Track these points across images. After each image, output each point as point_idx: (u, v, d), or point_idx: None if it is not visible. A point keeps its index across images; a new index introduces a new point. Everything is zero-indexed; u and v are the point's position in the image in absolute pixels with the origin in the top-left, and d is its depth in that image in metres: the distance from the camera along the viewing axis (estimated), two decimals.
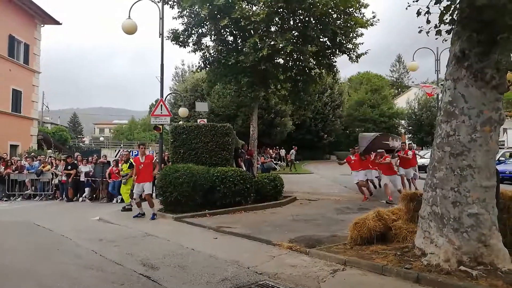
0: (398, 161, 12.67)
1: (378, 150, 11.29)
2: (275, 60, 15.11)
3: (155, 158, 11.91)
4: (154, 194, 10.08)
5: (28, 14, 25.40)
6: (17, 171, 14.89)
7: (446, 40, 5.37)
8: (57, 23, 27.70)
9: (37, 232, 7.94)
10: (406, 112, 44.80)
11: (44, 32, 27.55)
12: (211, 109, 28.38)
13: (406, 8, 5.62)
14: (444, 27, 5.35)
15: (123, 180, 11.83)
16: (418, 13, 5.25)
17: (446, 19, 5.10)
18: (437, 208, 4.93)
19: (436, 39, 5.20)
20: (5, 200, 14.31)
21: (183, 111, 18.82)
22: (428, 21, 5.09)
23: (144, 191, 9.36)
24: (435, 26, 5.39)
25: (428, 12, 5.17)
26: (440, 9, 5.15)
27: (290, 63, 15.44)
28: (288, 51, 13.93)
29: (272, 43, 13.72)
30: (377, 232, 5.71)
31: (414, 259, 4.93)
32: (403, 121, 45.40)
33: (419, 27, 5.62)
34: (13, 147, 23.78)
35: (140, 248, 6.31)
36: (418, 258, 4.96)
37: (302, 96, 16.93)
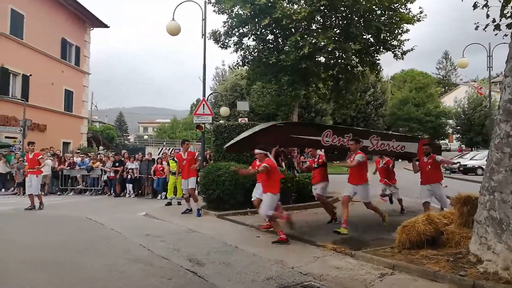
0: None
1: (257, 150, 6.83)
2: (316, 59, 14.96)
3: (196, 154, 12.17)
4: (196, 191, 10.30)
5: (79, 18, 26.86)
6: (69, 167, 15.77)
7: (506, 35, 5.03)
8: (105, 26, 29.06)
9: (89, 226, 8.35)
10: (454, 111, 42.73)
11: (92, 34, 29.00)
12: (251, 108, 28.58)
13: (462, 0, 5.35)
14: (503, 21, 5.03)
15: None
16: (475, 6, 4.98)
17: (507, 12, 4.79)
18: (495, 212, 4.64)
19: (495, 35, 4.89)
20: (59, 194, 15.22)
21: (224, 110, 19.11)
22: (487, 15, 4.80)
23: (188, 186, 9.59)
24: (493, 21, 5.08)
25: (486, 5, 4.88)
26: (500, 1, 4.85)
27: (332, 61, 15.23)
28: (329, 49, 13.75)
29: (313, 41, 13.59)
30: (427, 236, 5.46)
31: (469, 266, 4.67)
32: (450, 121, 43.34)
33: (475, 23, 5.33)
34: (65, 144, 25.26)
35: (185, 244, 6.46)
36: (473, 265, 4.69)
37: (344, 94, 16.65)
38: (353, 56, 14.45)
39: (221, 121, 29.61)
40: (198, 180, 10.51)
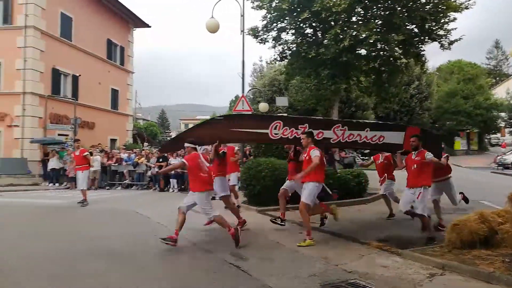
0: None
1: (186, 144, 6.42)
2: (357, 51, 14.56)
3: (236, 148, 12.28)
4: (237, 187, 10.42)
5: (123, 19, 27.89)
6: (117, 163, 16.51)
7: None
8: (147, 26, 29.99)
9: (137, 219, 8.74)
10: (507, 103, 40.11)
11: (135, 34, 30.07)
12: (289, 104, 28.41)
13: None
14: None
15: None
16: None
17: None
18: None
19: None
20: (108, 189, 16.00)
21: (263, 106, 19.13)
22: None
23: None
24: None
25: None
26: None
27: (374, 54, 14.75)
28: (371, 41, 13.33)
29: (354, 33, 13.23)
30: (480, 235, 5.19)
31: None
32: (503, 113, 40.73)
33: None
34: (112, 141, 26.43)
35: (228, 238, 6.55)
36: None
37: (386, 87, 16.12)
38: (396, 48, 13.91)
39: None
40: (239, 175, 10.62)
